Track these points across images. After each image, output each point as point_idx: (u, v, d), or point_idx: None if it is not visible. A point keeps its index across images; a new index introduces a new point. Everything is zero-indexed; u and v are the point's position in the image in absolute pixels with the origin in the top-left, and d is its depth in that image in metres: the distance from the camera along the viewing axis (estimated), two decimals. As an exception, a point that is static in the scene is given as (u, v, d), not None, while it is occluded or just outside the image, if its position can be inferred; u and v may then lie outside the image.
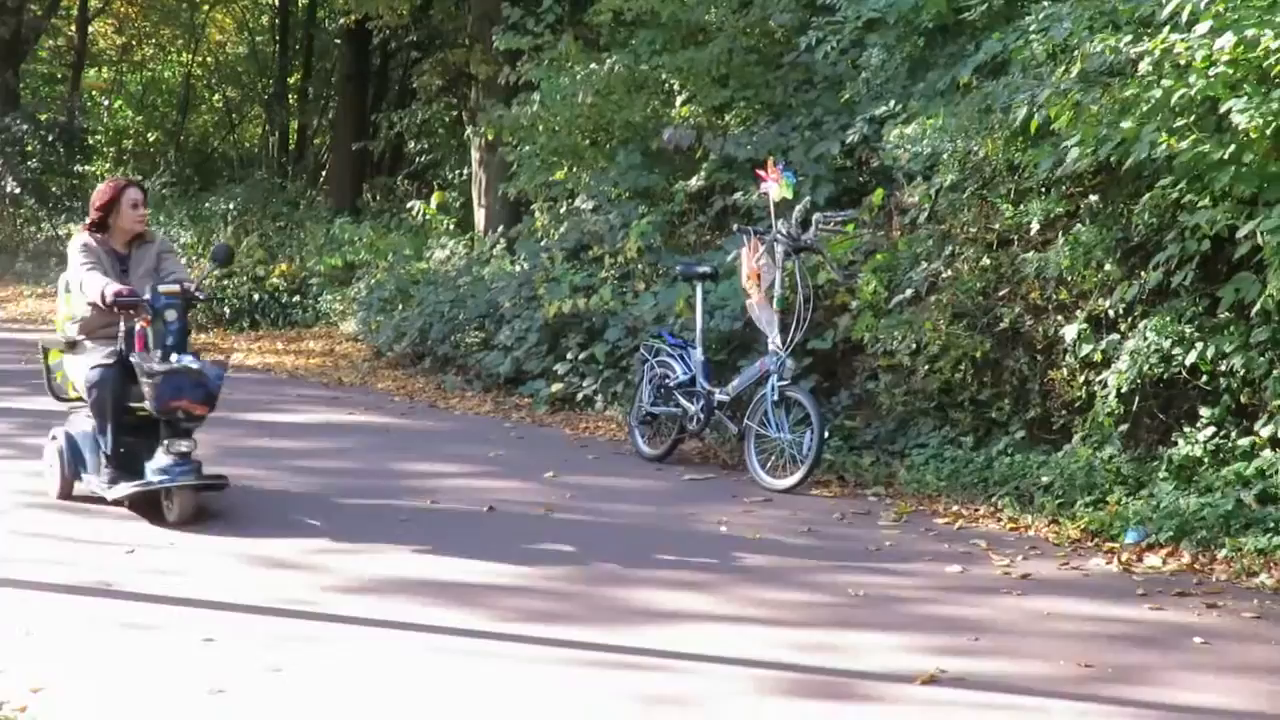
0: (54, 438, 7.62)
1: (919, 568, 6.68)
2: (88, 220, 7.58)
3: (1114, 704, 4.74)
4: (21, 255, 26.07)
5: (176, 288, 7.08)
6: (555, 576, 6.40)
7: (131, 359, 7.03)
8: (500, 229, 15.83)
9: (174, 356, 6.91)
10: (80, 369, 7.28)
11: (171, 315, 7.01)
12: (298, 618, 5.62)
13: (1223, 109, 6.78)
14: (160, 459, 6.98)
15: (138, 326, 7.08)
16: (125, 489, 7.09)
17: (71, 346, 7.48)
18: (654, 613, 5.83)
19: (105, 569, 6.27)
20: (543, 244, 13.43)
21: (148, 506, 7.18)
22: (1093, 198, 8.44)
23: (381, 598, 5.94)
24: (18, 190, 27.37)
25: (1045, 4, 8.70)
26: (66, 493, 7.55)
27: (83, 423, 7.47)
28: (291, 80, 31.77)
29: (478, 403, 12.10)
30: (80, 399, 7.42)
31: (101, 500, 7.38)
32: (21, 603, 5.78)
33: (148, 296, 7.03)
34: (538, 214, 14.35)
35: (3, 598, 5.85)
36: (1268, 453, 7.08)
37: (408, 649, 5.26)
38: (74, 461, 7.45)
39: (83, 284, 7.24)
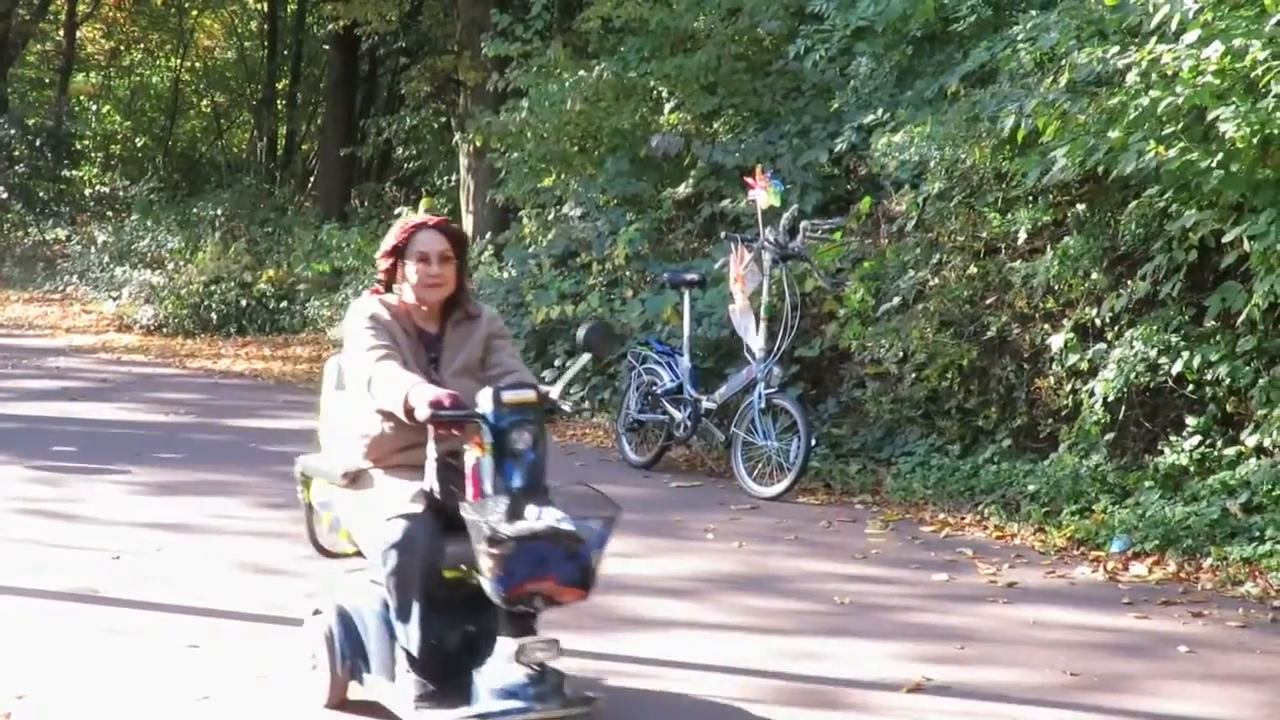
0: (317, 613, 4.73)
1: (905, 576, 6.68)
2: (376, 281, 4.80)
3: (1099, 712, 4.75)
4: (8, 260, 26.02)
5: (531, 394, 4.27)
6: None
7: (464, 512, 4.13)
8: (488, 235, 15.83)
9: (531, 509, 4.11)
10: (368, 515, 4.49)
11: (523, 440, 4.20)
12: (283, 624, 5.60)
13: (1210, 117, 6.80)
14: (502, 671, 4.15)
15: (469, 459, 4.27)
16: (444, 718, 4.24)
17: (353, 479, 4.61)
18: (640, 620, 5.83)
19: (91, 575, 6.25)
20: (531, 251, 13.42)
21: None
22: (1080, 207, 8.46)
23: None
24: (5, 195, 27.38)
25: (1033, 14, 8.73)
26: (338, 699, 4.65)
27: (366, 595, 4.60)
28: (280, 86, 31.78)
29: (465, 409, 12.06)
30: (357, 553, 4.77)
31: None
32: (6, 609, 5.76)
33: (485, 409, 4.20)
34: (526, 221, 14.34)
35: (-13, 604, 5.84)
36: (1253, 462, 7.10)
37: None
38: (353, 654, 4.58)
39: (372, 381, 4.45)
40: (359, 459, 4.60)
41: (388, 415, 4.46)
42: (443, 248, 4.62)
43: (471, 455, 4.26)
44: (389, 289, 4.72)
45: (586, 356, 4.75)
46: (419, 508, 4.35)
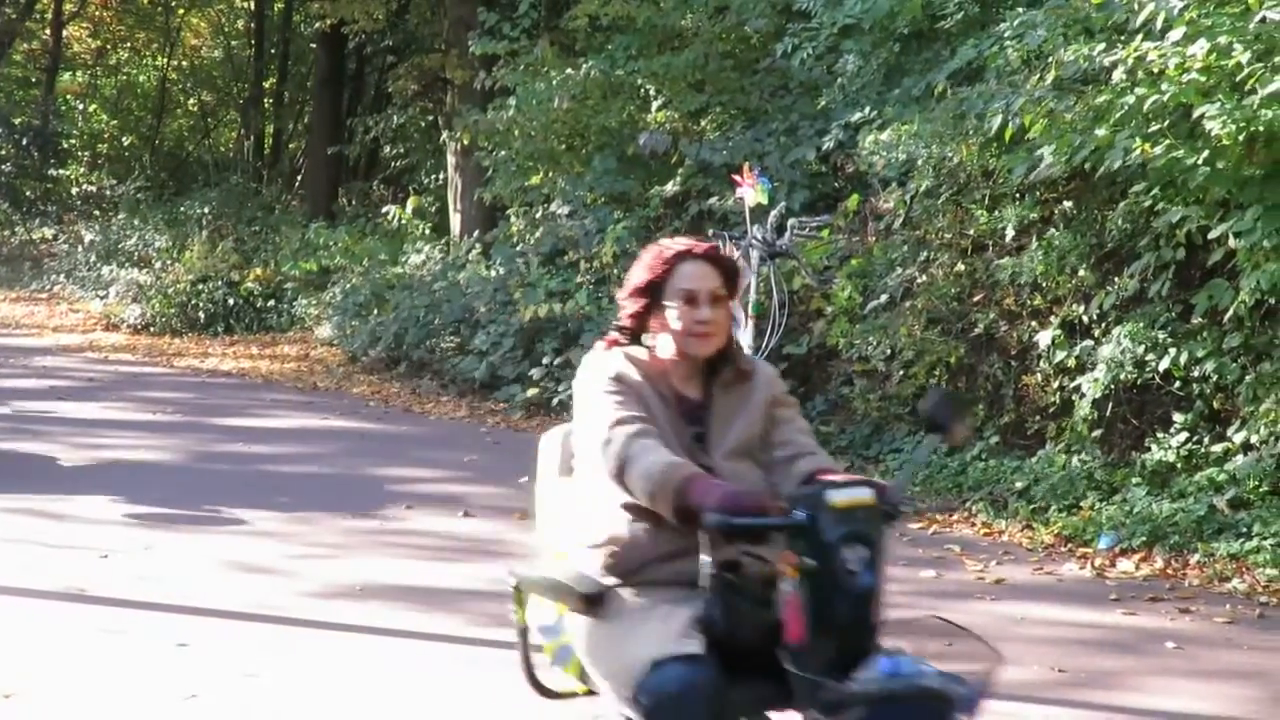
0: None
1: (893, 573, 6.62)
2: (615, 325, 3.53)
3: (1087, 708, 4.76)
4: (-6, 259, 26.01)
5: (868, 495, 3.01)
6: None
7: (786, 664, 2.95)
8: (476, 234, 15.80)
9: (883, 661, 2.88)
10: (619, 654, 3.11)
11: (857, 559, 2.92)
12: (272, 623, 5.60)
13: (1195, 114, 6.82)
14: None
15: (784, 586, 2.97)
16: None
17: (591, 602, 3.21)
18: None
19: (79, 574, 6.23)
20: (518, 249, 13.41)
21: None
22: (1067, 204, 8.47)
23: (356, 603, 5.93)
24: (-10, 195, 27.34)
25: (1020, 11, 8.75)
26: None
27: None
28: (267, 84, 31.68)
29: (453, 408, 12.08)
30: (588, 693, 3.39)
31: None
32: (-7, 608, 5.77)
33: (803, 514, 2.95)
34: (513, 219, 14.33)
35: (-26, 603, 5.82)
36: (1240, 458, 7.12)
37: (382, 654, 5.25)
38: None
39: (626, 466, 3.17)
40: (601, 572, 3.27)
41: (641, 513, 3.20)
42: (714, 285, 3.35)
43: (786, 581, 2.96)
44: (636, 339, 3.47)
45: (934, 438, 3.41)
46: (697, 646, 2.98)
